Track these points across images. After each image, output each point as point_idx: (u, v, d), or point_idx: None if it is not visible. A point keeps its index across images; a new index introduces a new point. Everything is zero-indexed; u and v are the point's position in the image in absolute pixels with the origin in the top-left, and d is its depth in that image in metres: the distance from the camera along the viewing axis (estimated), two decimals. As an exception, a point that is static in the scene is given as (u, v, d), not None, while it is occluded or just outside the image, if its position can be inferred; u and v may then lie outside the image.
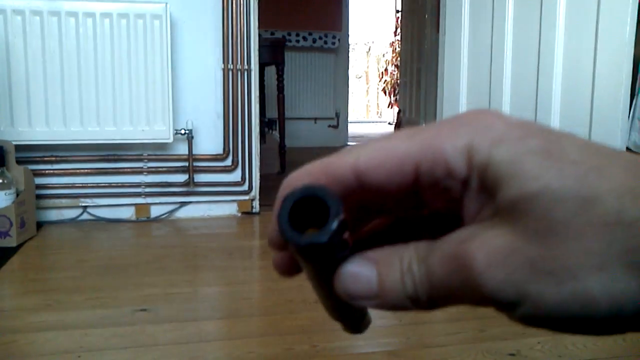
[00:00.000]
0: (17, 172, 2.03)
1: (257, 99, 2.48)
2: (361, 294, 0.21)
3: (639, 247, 0.17)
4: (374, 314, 0.27)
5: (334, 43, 5.26)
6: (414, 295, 0.20)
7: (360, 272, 0.21)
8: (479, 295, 0.19)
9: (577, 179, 0.18)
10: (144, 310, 1.40)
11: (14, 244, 1.93)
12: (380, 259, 0.21)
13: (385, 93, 8.86)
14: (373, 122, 9.22)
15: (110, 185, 2.34)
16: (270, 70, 3.85)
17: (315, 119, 5.39)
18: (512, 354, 1.20)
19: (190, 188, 2.40)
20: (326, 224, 0.20)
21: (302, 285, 1.56)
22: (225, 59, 2.38)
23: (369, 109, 10.16)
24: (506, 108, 2.15)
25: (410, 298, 0.21)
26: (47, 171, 2.27)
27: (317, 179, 0.22)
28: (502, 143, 0.19)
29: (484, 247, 0.19)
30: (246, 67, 2.42)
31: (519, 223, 0.18)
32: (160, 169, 2.39)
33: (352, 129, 6.00)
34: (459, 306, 0.23)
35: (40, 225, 2.20)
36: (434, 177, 0.20)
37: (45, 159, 2.27)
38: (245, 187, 2.49)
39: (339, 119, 5.48)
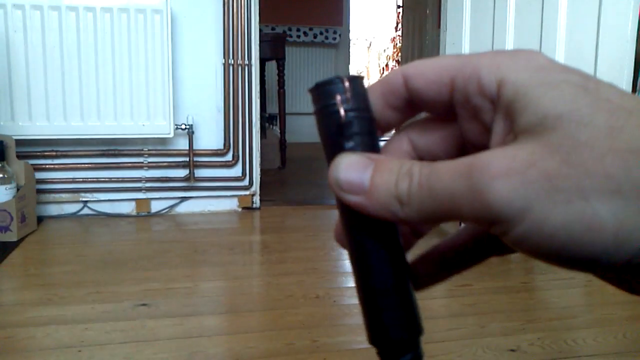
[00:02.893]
0: (17, 166, 2.03)
1: (258, 94, 2.47)
2: (351, 184, 0.21)
3: None
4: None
5: (334, 38, 5.25)
6: (404, 198, 0.20)
7: (357, 162, 0.21)
8: (480, 204, 0.18)
9: (608, 112, 0.18)
10: (145, 305, 1.40)
11: (15, 239, 1.93)
12: (380, 159, 0.21)
13: (386, 89, 8.82)
14: (373, 117, 9.20)
15: (110, 180, 2.34)
16: (271, 66, 3.85)
17: (316, 114, 5.39)
18: (513, 350, 1.20)
19: (191, 183, 2.40)
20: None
21: (303, 281, 1.57)
22: (225, 54, 2.38)
23: (370, 105, 10.14)
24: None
25: (399, 199, 0.20)
26: (47, 166, 2.27)
27: (373, 89, 0.23)
28: (540, 70, 0.19)
29: (502, 157, 0.18)
30: (247, 62, 2.41)
31: (543, 137, 0.18)
32: (161, 164, 2.39)
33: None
34: (445, 223, 0.22)
35: (40, 219, 2.20)
36: (467, 93, 0.21)
37: (46, 153, 2.27)
38: (246, 182, 2.49)
39: (339, 115, 5.47)
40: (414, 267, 0.26)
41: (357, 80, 0.22)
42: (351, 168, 0.21)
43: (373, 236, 0.22)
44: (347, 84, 0.22)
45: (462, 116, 0.22)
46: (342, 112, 0.22)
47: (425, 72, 0.22)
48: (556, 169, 0.17)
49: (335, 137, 0.22)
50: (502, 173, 0.18)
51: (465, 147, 0.24)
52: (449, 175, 0.19)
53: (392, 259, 0.23)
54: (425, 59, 0.23)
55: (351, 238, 0.23)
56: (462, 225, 0.25)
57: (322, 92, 0.22)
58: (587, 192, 0.17)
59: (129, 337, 1.23)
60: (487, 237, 0.25)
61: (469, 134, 0.23)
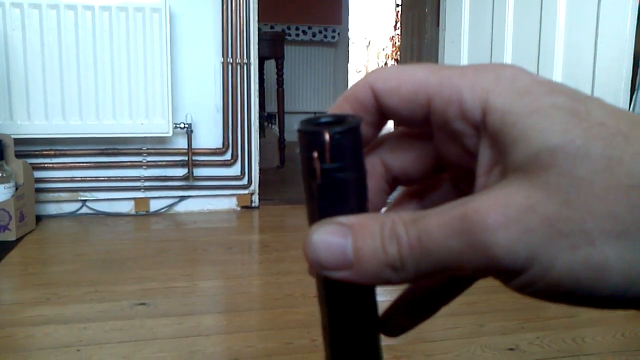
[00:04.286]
0: (16, 165, 2.02)
1: (257, 93, 2.47)
2: (334, 263, 0.19)
3: None
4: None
5: (333, 37, 5.25)
6: (397, 264, 0.18)
7: (332, 233, 0.19)
8: (484, 259, 0.17)
9: (603, 139, 0.17)
10: (143, 304, 1.40)
11: (13, 238, 1.93)
12: (356, 224, 0.19)
13: (385, 87, 8.82)
14: (373, 116, 9.19)
15: (109, 179, 2.34)
16: (270, 64, 3.84)
17: (315, 113, 5.38)
18: (511, 349, 1.20)
19: (190, 182, 2.40)
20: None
21: (302, 280, 1.57)
22: (224, 53, 2.37)
23: (369, 104, 10.13)
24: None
25: (392, 266, 0.18)
26: (46, 165, 2.27)
27: (339, 107, 0.21)
28: (526, 95, 0.18)
29: (497, 204, 0.17)
30: (246, 61, 2.41)
31: (539, 178, 0.17)
32: (160, 163, 2.39)
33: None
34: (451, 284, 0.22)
35: (39, 219, 2.20)
36: (446, 116, 0.20)
37: (45, 152, 2.27)
38: (245, 181, 2.49)
39: (338, 114, 5.46)
40: (391, 314, 0.26)
41: (346, 131, 0.19)
42: (329, 242, 0.19)
43: (348, 295, 0.21)
44: (327, 138, 0.19)
45: (440, 137, 0.21)
46: (317, 171, 0.19)
47: (398, 88, 0.20)
48: (556, 212, 0.16)
49: (312, 197, 0.20)
50: (501, 224, 0.17)
51: (440, 164, 0.23)
52: (442, 233, 0.18)
53: (365, 316, 0.22)
54: (395, 69, 0.21)
55: (324, 292, 0.22)
56: None
57: (303, 141, 0.19)
58: (592, 235, 0.16)
59: (127, 336, 1.23)
60: None
61: (447, 155, 0.22)
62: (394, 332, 0.25)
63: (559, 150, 0.17)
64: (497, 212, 0.17)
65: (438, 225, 0.18)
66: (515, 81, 0.19)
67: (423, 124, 0.21)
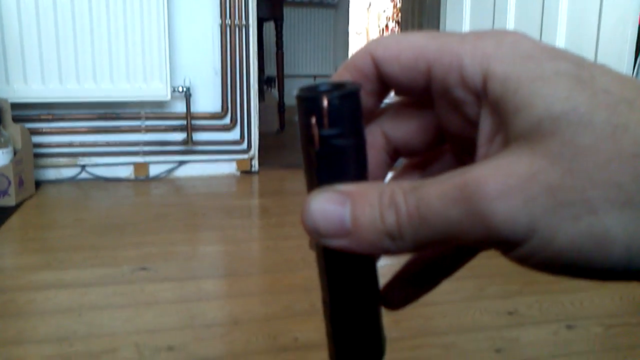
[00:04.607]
0: (13, 130, 2.01)
1: (256, 56, 2.44)
2: (331, 231, 0.18)
3: None
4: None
5: (333, -2, 5.16)
6: (395, 233, 0.18)
7: (330, 200, 0.19)
8: (483, 229, 0.17)
9: (607, 107, 0.16)
10: (144, 269, 1.41)
11: (13, 203, 1.93)
12: (354, 192, 0.19)
13: (385, 50, 8.72)
14: (373, 79, 9.11)
15: (108, 144, 2.33)
16: (269, 26, 3.78)
17: (315, 76, 5.33)
18: (510, 312, 1.21)
19: (189, 147, 2.38)
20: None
21: (302, 244, 1.57)
22: (222, 14, 2.33)
23: (369, 67, 10.04)
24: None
25: (390, 235, 0.18)
26: (44, 130, 2.25)
27: (340, 76, 0.21)
28: (528, 61, 0.18)
29: (498, 173, 0.17)
30: (244, 22, 2.37)
31: (541, 145, 0.16)
32: (159, 128, 2.37)
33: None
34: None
35: (38, 184, 2.19)
36: (447, 84, 0.19)
37: (42, 117, 2.25)
38: (245, 145, 2.47)
39: (338, 77, 5.41)
40: (392, 287, 0.26)
41: (345, 96, 0.19)
42: (327, 210, 0.19)
43: (348, 267, 0.21)
44: (325, 103, 0.18)
45: (441, 106, 0.20)
46: (315, 138, 0.19)
47: (398, 55, 0.20)
48: (559, 181, 0.16)
49: (310, 165, 0.20)
50: (502, 193, 0.16)
51: (442, 135, 0.22)
52: (441, 201, 0.17)
53: (365, 287, 0.21)
54: (395, 37, 0.20)
55: (323, 263, 0.21)
56: None
57: (301, 107, 0.19)
58: (595, 204, 0.16)
59: (128, 301, 1.24)
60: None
61: (448, 125, 0.21)
62: (395, 305, 0.25)
63: (562, 117, 0.16)
64: (498, 181, 0.16)
65: (437, 194, 0.17)
66: (518, 47, 0.18)
67: (424, 93, 0.20)
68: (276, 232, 1.75)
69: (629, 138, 0.16)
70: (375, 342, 0.22)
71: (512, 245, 0.17)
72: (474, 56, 0.18)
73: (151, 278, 1.36)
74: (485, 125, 0.19)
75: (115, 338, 1.08)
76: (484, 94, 0.18)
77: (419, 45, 0.19)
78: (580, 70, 0.17)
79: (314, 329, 1.12)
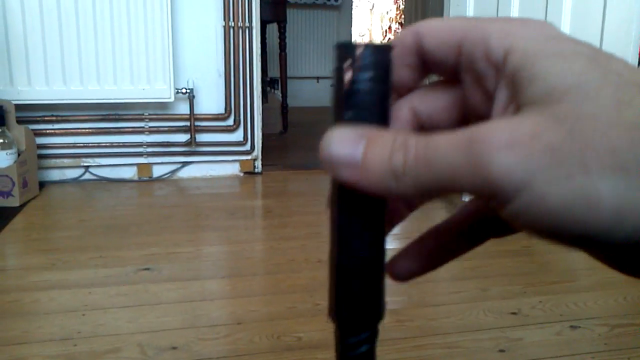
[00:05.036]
0: (17, 131, 2.02)
1: (259, 58, 2.44)
2: (342, 158, 0.20)
3: None
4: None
5: (336, 0, 5.16)
6: (400, 171, 0.19)
7: (349, 136, 0.20)
8: (481, 177, 0.17)
9: (617, 85, 0.17)
10: (147, 269, 1.41)
11: (17, 204, 1.94)
12: (373, 133, 0.20)
13: (388, 52, 8.73)
14: (376, 81, 9.09)
15: (111, 145, 2.33)
16: (272, 28, 3.79)
17: (318, 78, 5.34)
18: (514, 313, 1.20)
19: (192, 148, 2.39)
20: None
21: (305, 245, 1.58)
22: (226, 16, 2.34)
23: (372, 68, 10.03)
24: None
25: (394, 174, 0.19)
26: (48, 131, 2.26)
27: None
28: (550, 40, 0.19)
29: (505, 128, 0.17)
30: (247, 24, 2.37)
31: (548, 110, 0.17)
32: (162, 129, 2.37)
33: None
34: (439, 201, 0.23)
35: (42, 185, 2.20)
36: (473, 57, 0.21)
37: (46, 118, 2.25)
38: (248, 146, 2.48)
39: (341, 78, 5.41)
40: (404, 256, 0.26)
41: (379, 48, 0.21)
42: (343, 142, 0.20)
43: (358, 214, 0.21)
44: (360, 50, 0.20)
45: (467, 82, 0.22)
46: (346, 79, 0.21)
47: (437, 32, 0.22)
48: (560, 141, 0.17)
49: (338, 105, 0.21)
50: (504, 145, 0.17)
51: (467, 117, 0.23)
52: (448, 146, 0.18)
53: (373, 241, 0.22)
54: (437, 19, 0.22)
55: (335, 211, 0.22)
56: (456, 209, 0.25)
57: (338, 54, 0.21)
58: (589, 166, 0.16)
59: (132, 301, 1.24)
60: (482, 220, 0.24)
61: (471, 102, 0.22)
62: (399, 276, 0.26)
63: (572, 88, 0.17)
64: (503, 134, 0.17)
65: (445, 141, 0.18)
66: (542, 30, 0.20)
67: (454, 70, 0.22)
68: (279, 232, 1.75)
69: (631, 111, 0.17)
70: (377, 301, 0.22)
71: (505, 199, 0.17)
72: (500, 33, 0.20)
73: (155, 278, 1.36)
74: (501, 96, 0.20)
75: (119, 338, 1.08)
76: (503, 67, 0.19)
77: (455, 24, 0.21)
78: (598, 54, 0.18)
79: (317, 329, 1.12)
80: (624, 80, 0.17)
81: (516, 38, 0.19)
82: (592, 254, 0.19)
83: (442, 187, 0.18)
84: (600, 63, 0.18)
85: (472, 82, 0.21)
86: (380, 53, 0.21)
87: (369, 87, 0.21)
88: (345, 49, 0.21)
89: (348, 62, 0.20)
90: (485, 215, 0.24)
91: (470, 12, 2.36)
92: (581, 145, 0.17)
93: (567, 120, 0.17)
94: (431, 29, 0.22)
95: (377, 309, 0.22)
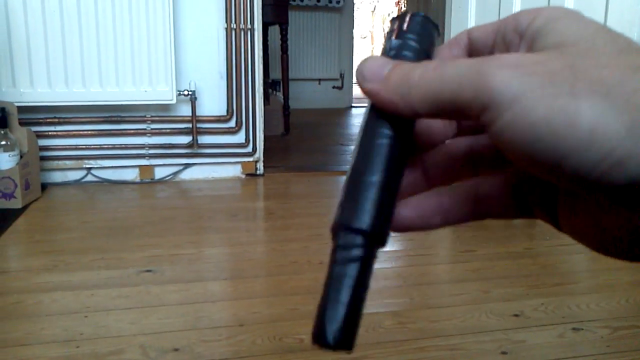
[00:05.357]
0: (20, 133, 2.02)
1: (261, 59, 2.44)
2: (371, 73, 0.23)
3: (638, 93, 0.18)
4: (378, 274, 0.25)
5: (338, 2, 5.17)
6: (415, 80, 0.21)
7: (381, 60, 0.23)
8: (481, 85, 0.19)
9: (621, 46, 0.19)
10: (149, 271, 1.41)
11: (19, 206, 1.94)
12: (400, 62, 0.23)
13: (390, 53, 8.73)
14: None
15: (114, 147, 2.33)
16: (274, 30, 3.80)
17: (320, 79, 5.34)
18: (516, 315, 1.20)
19: (194, 150, 2.39)
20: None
21: (307, 247, 1.58)
22: (228, 18, 2.34)
23: (374, 70, 10.02)
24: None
25: (409, 83, 0.21)
26: (50, 133, 2.26)
27: (442, 48, 0.26)
28: (574, 14, 0.21)
29: (514, 55, 0.20)
30: (249, 26, 2.38)
31: (557, 49, 0.20)
32: (164, 131, 2.38)
33: (357, 90, 5.95)
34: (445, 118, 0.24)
35: (44, 186, 2.20)
36: (504, 32, 0.23)
37: (48, 120, 2.26)
38: (250, 148, 2.48)
39: (343, 80, 5.42)
40: (406, 204, 0.26)
41: (423, 19, 0.25)
42: (375, 62, 0.23)
43: (382, 130, 0.23)
44: (410, 16, 0.25)
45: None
46: (395, 32, 0.24)
47: (482, 26, 0.25)
48: (559, 69, 0.19)
49: (385, 48, 0.24)
50: (510, 64, 0.19)
51: None
52: (462, 63, 0.20)
53: (392, 157, 0.22)
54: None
55: (362, 128, 0.23)
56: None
57: (393, 21, 0.25)
58: (577, 90, 0.18)
59: (134, 302, 1.24)
60: (474, 154, 0.26)
61: None
62: (398, 226, 0.26)
63: (582, 40, 0.20)
64: (511, 58, 0.20)
65: (462, 60, 0.21)
66: (567, 11, 0.22)
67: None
68: (281, 234, 1.75)
69: (629, 58, 0.19)
70: (383, 219, 0.22)
71: (496, 110, 0.19)
72: (529, 11, 0.22)
73: (157, 280, 1.36)
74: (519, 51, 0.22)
75: (121, 340, 1.08)
76: (527, 30, 0.22)
77: (498, 20, 0.24)
78: (617, 35, 0.20)
79: (319, 331, 1.12)
80: (629, 47, 0.19)
81: (542, 11, 0.22)
82: (562, 180, 0.19)
83: (447, 97, 0.20)
84: (614, 36, 0.20)
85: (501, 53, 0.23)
86: (424, 23, 0.25)
87: (414, 45, 0.24)
88: (400, 16, 0.25)
89: (399, 22, 0.24)
90: (476, 150, 0.26)
91: (472, 14, 2.37)
92: (577, 75, 0.18)
93: (571, 56, 0.19)
94: (479, 26, 0.25)
95: (381, 226, 0.22)
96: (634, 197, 0.18)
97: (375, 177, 0.22)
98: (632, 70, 0.18)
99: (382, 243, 0.22)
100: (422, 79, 0.21)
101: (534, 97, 0.18)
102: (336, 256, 0.21)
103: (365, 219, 0.21)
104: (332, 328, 0.20)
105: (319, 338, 0.20)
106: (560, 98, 0.18)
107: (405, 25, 0.24)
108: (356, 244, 0.21)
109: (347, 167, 0.23)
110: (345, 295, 0.21)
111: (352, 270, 0.21)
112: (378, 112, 0.23)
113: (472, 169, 0.26)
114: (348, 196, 0.22)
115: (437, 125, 0.25)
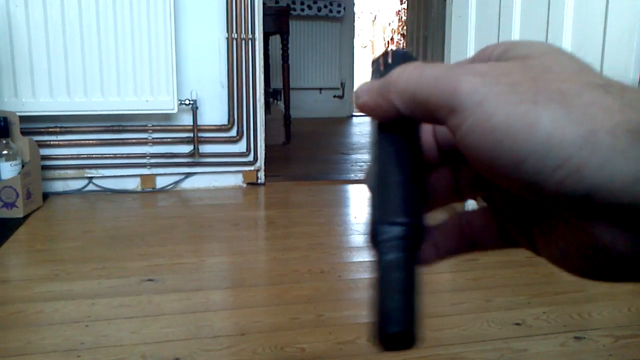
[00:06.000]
0: (22, 143, 2.03)
1: (262, 69, 2.45)
2: (363, 88, 0.25)
3: (602, 103, 0.19)
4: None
5: (339, 11, 5.19)
6: (395, 76, 0.23)
7: (371, 83, 0.25)
8: (451, 88, 0.20)
9: (584, 67, 0.21)
10: (151, 280, 1.41)
11: (21, 215, 1.94)
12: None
13: (391, 63, 8.76)
14: (378, 92, 9.10)
15: (115, 156, 2.34)
16: (275, 40, 3.81)
17: (321, 89, 5.36)
18: (518, 324, 1.20)
19: (196, 159, 2.39)
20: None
21: (308, 256, 1.58)
22: (229, 28, 2.35)
23: (375, 79, 10.04)
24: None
25: (390, 81, 0.23)
26: (52, 142, 2.27)
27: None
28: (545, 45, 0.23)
29: (484, 65, 0.21)
30: (250, 36, 2.39)
31: (523, 62, 0.21)
32: (165, 140, 2.38)
33: (358, 99, 5.95)
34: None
35: (46, 196, 2.21)
36: (476, 61, 0.24)
37: (50, 129, 2.26)
38: (251, 157, 2.48)
39: (344, 89, 5.43)
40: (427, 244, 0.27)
41: (408, 55, 0.27)
42: (365, 83, 0.25)
43: (388, 139, 0.25)
44: (391, 53, 0.27)
45: None
46: (382, 66, 0.27)
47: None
48: (522, 81, 0.20)
49: (373, 76, 0.27)
50: (479, 72, 0.20)
51: None
52: (442, 66, 0.22)
53: (404, 159, 0.24)
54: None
55: (372, 144, 0.25)
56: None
57: (380, 57, 0.28)
58: (538, 99, 0.19)
59: (135, 312, 1.24)
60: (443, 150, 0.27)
61: None
62: (426, 261, 0.27)
63: (547, 54, 0.21)
64: (481, 67, 0.21)
65: (439, 64, 0.22)
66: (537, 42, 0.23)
67: None
68: (282, 243, 1.75)
69: (590, 75, 0.20)
70: (415, 210, 0.23)
71: (462, 114, 0.20)
72: (498, 43, 0.24)
73: (158, 289, 1.36)
74: None
75: (123, 349, 1.08)
76: (492, 53, 0.23)
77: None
78: (579, 59, 0.21)
79: (320, 339, 1.12)
80: (590, 68, 0.21)
81: (509, 41, 0.23)
82: (519, 185, 0.20)
83: (424, 96, 0.21)
84: (575, 57, 0.21)
85: None
86: (404, 56, 0.27)
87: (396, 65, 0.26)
88: (384, 54, 0.28)
89: (387, 55, 0.27)
90: (458, 176, 0.27)
91: (472, 21, 2.38)
92: (539, 86, 0.19)
93: (534, 70, 0.20)
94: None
95: (413, 212, 0.23)
96: (593, 209, 0.19)
97: (396, 178, 0.23)
98: (590, 86, 0.19)
99: (421, 233, 0.22)
100: (401, 76, 0.22)
101: (496, 103, 0.19)
102: (381, 253, 0.22)
103: (399, 212, 0.22)
104: (395, 318, 0.20)
105: (383, 330, 0.20)
106: (522, 105, 0.19)
107: (389, 59, 0.27)
108: (398, 235, 0.22)
109: (367, 181, 0.24)
110: (399, 284, 0.21)
111: (400, 261, 0.21)
112: (380, 126, 0.25)
113: (455, 194, 0.27)
114: (376, 200, 0.23)
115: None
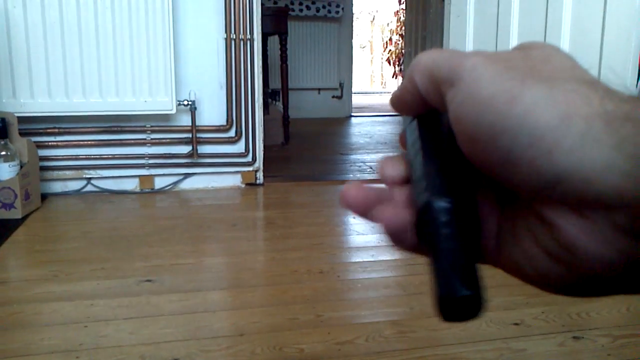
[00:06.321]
0: (20, 144, 2.02)
1: (260, 69, 2.45)
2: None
3: (584, 93, 0.19)
4: (378, 283, 0.26)
5: (337, 12, 5.19)
6: (415, 61, 0.24)
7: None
8: (455, 66, 0.22)
9: (581, 67, 0.22)
10: (149, 280, 1.41)
11: (19, 216, 1.94)
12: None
13: (389, 63, 8.79)
14: (377, 92, 9.14)
15: (114, 157, 2.34)
16: (273, 40, 3.81)
17: (319, 89, 5.35)
18: (516, 323, 1.20)
19: (194, 159, 2.39)
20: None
21: (307, 256, 1.58)
22: (227, 29, 2.35)
23: (373, 80, 10.08)
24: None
25: (414, 64, 0.25)
26: (50, 143, 2.27)
27: None
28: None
29: (489, 51, 0.22)
30: (249, 36, 2.39)
31: (525, 50, 0.23)
32: (164, 141, 2.38)
33: (356, 100, 5.96)
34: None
35: (44, 197, 2.20)
36: None
37: (48, 130, 2.26)
38: (249, 158, 2.48)
39: (342, 90, 5.43)
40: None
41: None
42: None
43: (421, 133, 0.27)
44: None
45: None
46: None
47: None
48: (520, 66, 0.21)
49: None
50: (483, 55, 0.22)
51: None
52: (459, 50, 0.23)
53: (439, 146, 0.26)
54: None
55: (409, 144, 0.28)
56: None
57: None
58: (526, 79, 0.20)
59: (134, 312, 1.24)
60: None
61: None
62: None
63: (547, 47, 0.23)
64: (488, 52, 0.22)
65: (457, 50, 0.24)
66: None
67: None
68: (281, 244, 1.75)
69: (583, 73, 0.21)
70: (456, 183, 0.24)
71: (458, 87, 0.21)
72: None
73: (157, 290, 1.36)
74: None
75: (121, 350, 1.08)
76: None
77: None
78: (574, 60, 0.22)
79: (319, 340, 1.12)
80: (583, 68, 0.22)
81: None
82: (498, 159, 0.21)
83: (435, 74, 0.23)
84: (572, 58, 0.22)
85: None
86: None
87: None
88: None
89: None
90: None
91: (470, 21, 2.38)
92: (533, 72, 0.20)
93: (535, 59, 0.21)
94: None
95: (454, 184, 0.24)
96: (561, 196, 0.19)
97: (433, 162, 0.25)
98: (578, 79, 0.20)
99: (466, 205, 0.23)
100: (422, 56, 0.24)
101: (489, 79, 0.20)
102: (431, 226, 0.23)
103: (442, 189, 0.23)
104: (459, 279, 0.21)
105: (450, 294, 0.21)
106: (510, 82, 0.20)
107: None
108: (445, 208, 0.23)
109: (411, 173, 0.26)
110: (459, 254, 0.22)
111: (451, 229, 0.22)
112: (417, 126, 0.27)
113: None
114: (423, 182, 0.24)
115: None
